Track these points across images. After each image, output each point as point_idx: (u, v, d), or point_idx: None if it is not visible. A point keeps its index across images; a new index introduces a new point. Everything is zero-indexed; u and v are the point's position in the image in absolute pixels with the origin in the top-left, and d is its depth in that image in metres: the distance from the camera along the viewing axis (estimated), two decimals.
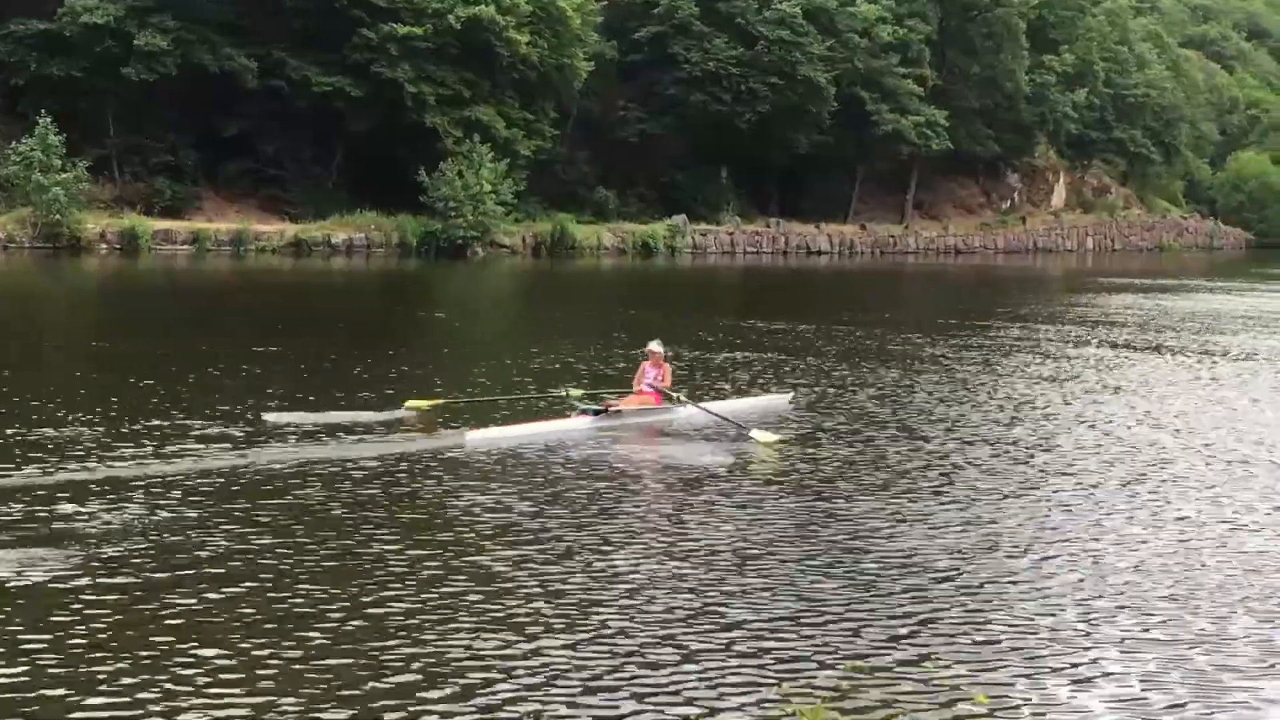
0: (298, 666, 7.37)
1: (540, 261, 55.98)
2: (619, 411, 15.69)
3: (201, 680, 7.08)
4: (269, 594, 8.57)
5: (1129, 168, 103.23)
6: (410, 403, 15.60)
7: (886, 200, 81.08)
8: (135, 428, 13.80)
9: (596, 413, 15.42)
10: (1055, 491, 12.52)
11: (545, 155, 60.13)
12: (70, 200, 44.96)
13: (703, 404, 16.32)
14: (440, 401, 15.99)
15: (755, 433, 14.66)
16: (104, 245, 46.27)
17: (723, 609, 8.57)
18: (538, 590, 8.84)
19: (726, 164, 69.71)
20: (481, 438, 14.04)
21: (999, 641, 8.18)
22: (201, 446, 13.02)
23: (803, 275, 56.91)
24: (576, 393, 16.01)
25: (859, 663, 7.65)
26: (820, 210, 75.06)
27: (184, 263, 45.30)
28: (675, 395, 16.25)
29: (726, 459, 13.77)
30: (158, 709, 6.74)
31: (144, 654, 7.44)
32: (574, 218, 60.27)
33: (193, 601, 8.34)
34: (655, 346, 16.60)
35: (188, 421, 14.27)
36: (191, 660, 7.35)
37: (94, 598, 8.36)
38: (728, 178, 70.58)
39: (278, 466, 12.36)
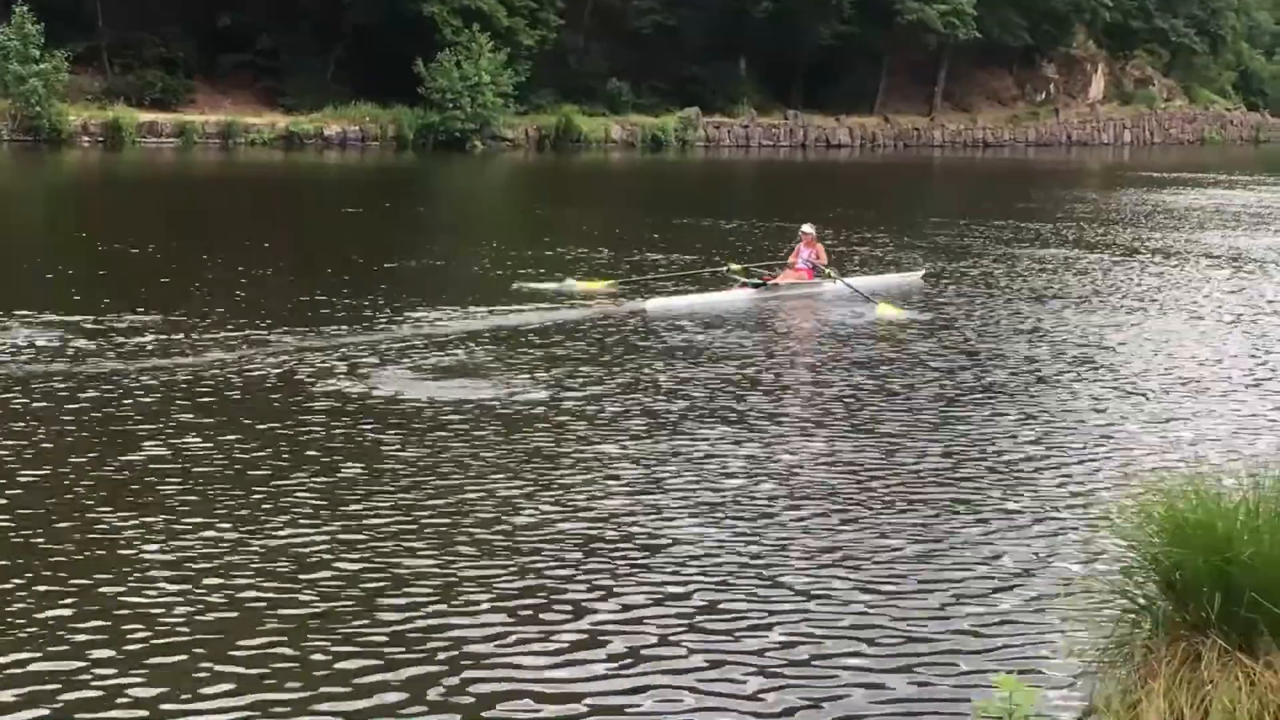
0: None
1: (543, 155, 54.65)
2: (776, 285, 18.02)
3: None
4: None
5: (1172, 59, 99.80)
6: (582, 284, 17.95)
7: (914, 92, 78.47)
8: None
9: (757, 286, 17.92)
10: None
11: (554, 46, 58.50)
12: (49, 92, 43.92)
13: (847, 279, 18.33)
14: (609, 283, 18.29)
15: (881, 308, 16.61)
16: (86, 138, 45.32)
17: None
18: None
19: (745, 56, 67.59)
20: (660, 306, 16.50)
21: None
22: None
23: (816, 170, 55.25)
24: (737, 268, 18.36)
25: None
26: (845, 104, 72.82)
27: (169, 156, 44.45)
28: (828, 271, 18.38)
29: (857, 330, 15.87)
30: None
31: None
32: (580, 110, 58.65)
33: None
34: (808, 228, 18.65)
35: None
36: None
37: None
38: (746, 70, 68.48)
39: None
